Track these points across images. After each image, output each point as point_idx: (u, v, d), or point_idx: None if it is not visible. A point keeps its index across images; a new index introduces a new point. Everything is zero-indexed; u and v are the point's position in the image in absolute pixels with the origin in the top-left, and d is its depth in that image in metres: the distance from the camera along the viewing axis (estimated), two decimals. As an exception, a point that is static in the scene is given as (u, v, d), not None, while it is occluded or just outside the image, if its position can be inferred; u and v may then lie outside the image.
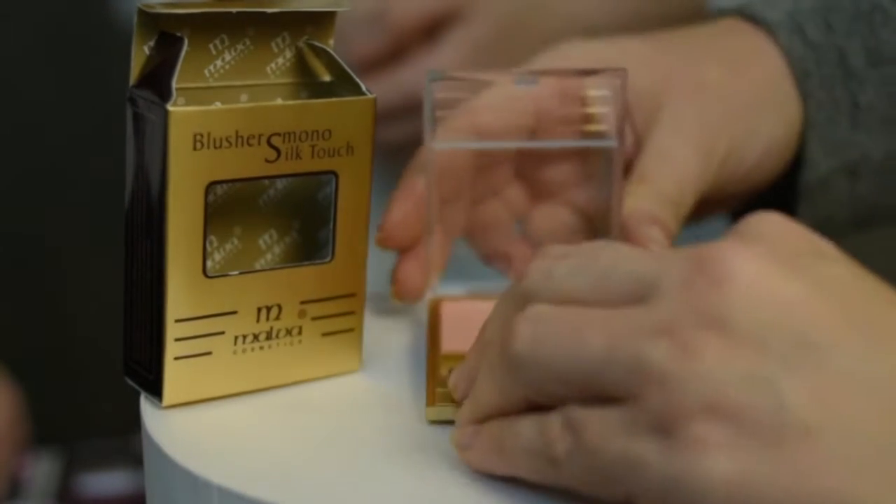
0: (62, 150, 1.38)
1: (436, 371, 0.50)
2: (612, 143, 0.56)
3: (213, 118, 0.47)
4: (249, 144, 0.48)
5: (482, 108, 0.56)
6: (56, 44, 1.35)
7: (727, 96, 0.59)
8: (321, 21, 0.51)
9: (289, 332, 0.51)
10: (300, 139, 0.49)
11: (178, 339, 0.48)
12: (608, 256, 0.42)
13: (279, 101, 0.50)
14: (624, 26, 0.82)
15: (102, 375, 1.07)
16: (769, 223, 0.41)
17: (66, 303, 1.44)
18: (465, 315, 0.56)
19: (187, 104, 0.48)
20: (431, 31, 0.79)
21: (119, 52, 0.96)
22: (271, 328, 0.50)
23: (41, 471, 0.93)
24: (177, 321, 0.48)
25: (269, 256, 0.52)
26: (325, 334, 0.51)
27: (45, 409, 1.02)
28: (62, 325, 1.43)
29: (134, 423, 0.51)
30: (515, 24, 0.80)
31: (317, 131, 0.49)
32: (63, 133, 1.38)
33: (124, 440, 0.97)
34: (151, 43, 0.49)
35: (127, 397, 0.54)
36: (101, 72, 1.16)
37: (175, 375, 0.49)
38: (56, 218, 1.41)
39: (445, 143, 0.56)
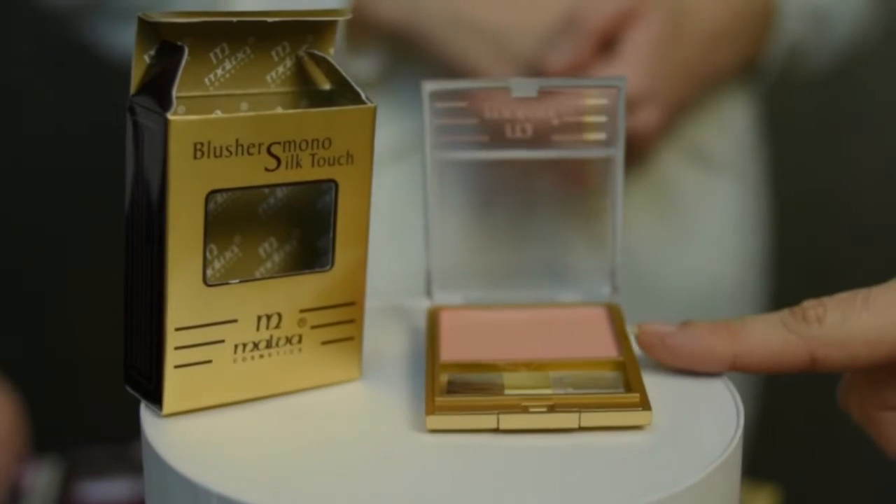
0: (61, 154, 1.38)
1: (435, 380, 0.50)
2: (612, 152, 0.56)
3: (214, 127, 0.47)
4: (250, 153, 0.48)
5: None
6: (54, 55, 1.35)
7: None
8: (322, 30, 0.51)
9: (289, 340, 0.51)
10: (300, 148, 0.49)
11: (178, 348, 0.48)
12: None
13: (279, 110, 0.50)
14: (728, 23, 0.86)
15: (102, 383, 1.07)
16: None
17: (65, 310, 1.44)
18: (464, 324, 0.56)
19: (187, 113, 0.49)
20: (607, 39, 0.80)
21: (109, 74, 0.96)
22: (271, 336, 0.50)
23: (41, 478, 0.93)
24: (177, 329, 0.48)
25: (268, 265, 0.52)
26: (324, 343, 0.51)
27: (44, 416, 1.02)
28: (62, 333, 1.43)
29: (134, 430, 0.51)
30: (674, 25, 0.82)
31: (317, 140, 0.49)
32: (62, 138, 1.38)
33: (124, 448, 0.97)
34: (152, 52, 0.49)
35: (126, 405, 0.54)
36: (98, 82, 1.17)
37: (175, 384, 0.49)
38: (56, 224, 1.41)
39: (444, 152, 0.56)
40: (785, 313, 0.51)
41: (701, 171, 0.93)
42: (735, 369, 0.51)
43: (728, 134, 0.95)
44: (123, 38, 0.92)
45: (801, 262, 1.24)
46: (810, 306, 0.50)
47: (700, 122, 0.93)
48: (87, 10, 0.93)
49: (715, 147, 0.94)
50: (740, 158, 0.96)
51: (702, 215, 0.94)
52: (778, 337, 0.50)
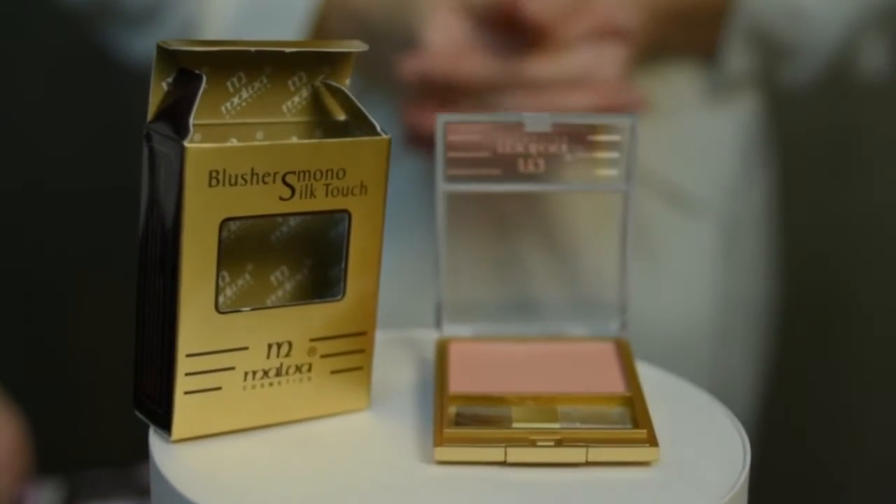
0: (67, 172, 1.39)
1: (444, 411, 0.50)
2: (623, 187, 0.56)
3: (229, 155, 0.47)
4: (264, 182, 0.48)
5: None
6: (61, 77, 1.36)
7: None
8: (338, 61, 0.51)
9: (298, 368, 0.51)
10: (314, 178, 0.49)
11: (188, 374, 0.48)
12: None
13: (294, 140, 0.51)
14: None
15: (106, 405, 1.07)
16: None
17: (70, 332, 1.44)
18: (473, 356, 0.56)
19: (203, 141, 0.49)
20: None
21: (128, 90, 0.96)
22: (281, 365, 0.50)
23: (44, 500, 0.93)
24: (188, 356, 0.48)
25: (280, 293, 0.53)
26: (334, 372, 0.52)
27: (47, 438, 1.02)
28: (66, 354, 1.43)
29: (137, 453, 0.51)
30: None
31: (331, 170, 0.49)
32: (70, 158, 1.38)
33: (127, 470, 0.97)
34: (170, 79, 0.49)
35: (130, 427, 0.54)
36: (111, 102, 1.17)
37: (185, 410, 0.49)
38: (61, 247, 1.41)
39: (455, 185, 0.56)
40: None
41: (679, 213, 0.91)
42: None
43: (708, 174, 0.93)
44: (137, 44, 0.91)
45: (799, 304, 1.23)
46: None
47: (679, 163, 0.91)
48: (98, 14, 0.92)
49: (694, 188, 0.92)
50: (722, 199, 0.93)
51: (680, 258, 0.92)
52: None
